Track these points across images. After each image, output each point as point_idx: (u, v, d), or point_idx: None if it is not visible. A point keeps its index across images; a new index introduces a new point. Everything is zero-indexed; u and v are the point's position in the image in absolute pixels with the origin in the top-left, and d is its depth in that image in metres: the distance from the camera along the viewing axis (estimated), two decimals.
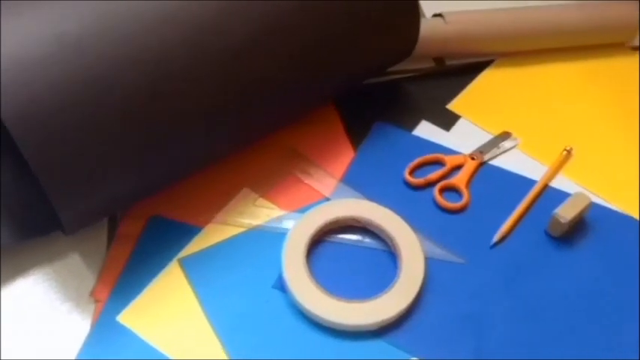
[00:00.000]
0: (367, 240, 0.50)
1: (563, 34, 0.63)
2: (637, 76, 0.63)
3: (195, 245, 0.49)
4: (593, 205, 0.52)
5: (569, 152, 0.56)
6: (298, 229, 0.49)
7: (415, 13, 0.53)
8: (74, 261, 0.48)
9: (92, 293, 0.47)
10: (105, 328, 0.45)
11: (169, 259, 0.48)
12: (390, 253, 0.50)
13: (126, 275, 0.47)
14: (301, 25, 0.47)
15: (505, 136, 0.57)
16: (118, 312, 0.46)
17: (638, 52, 0.65)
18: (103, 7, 0.43)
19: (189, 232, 0.50)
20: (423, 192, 0.54)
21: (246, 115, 0.48)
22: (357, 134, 0.57)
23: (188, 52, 0.44)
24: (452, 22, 0.60)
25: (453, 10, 0.63)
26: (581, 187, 0.54)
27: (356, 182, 0.54)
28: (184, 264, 0.48)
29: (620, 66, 0.64)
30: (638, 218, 0.52)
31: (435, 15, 0.62)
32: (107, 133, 0.42)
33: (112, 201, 0.45)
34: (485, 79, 0.62)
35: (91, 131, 0.41)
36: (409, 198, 0.53)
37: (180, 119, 0.45)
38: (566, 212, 0.49)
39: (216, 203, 0.51)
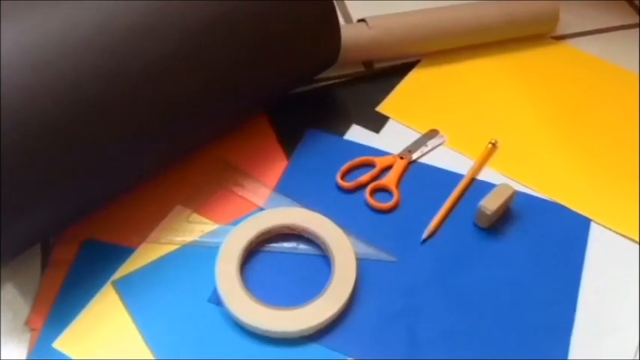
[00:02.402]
0: (302, 246, 0.51)
1: (486, 30, 0.65)
2: (559, 65, 0.65)
3: (128, 266, 0.49)
4: (518, 195, 0.54)
5: (494, 145, 0.58)
6: (231, 241, 0.49)
7: (334, 24, 0.54)
8: (8, 291, 0.48)
9: (27, 322, 0.47)
10: (41, 356, 0.45)
11: (103, 282, 0.48)
12: (324, 258, 0.50)
13: (60, 301, 0.47)
14: (220, 42, 0.48)
15: (432, 134, 0.59)
16: (53, 339, 0.46)
17: (560, 41, 0.68)
18: (17, 35, 0.43)
19: (123, 253, 0.50)
20: (355, 195, 0.55)
21: (172, 133, 0.48)
22: (289, 143, 0.58)
23: (104, 77, 0.44)
24: (375, 26, 0.62)
25: (384, 11, 0.64)
26: (507, 177, 0.56)
27: (290, 190, 0.54)
28: (118, 286, 0.48)
29: (543, 56, 0.66)
30: (563, 204, 0.54)
31: (359, 20, 0.63)
32: (32, 160, 0.42)
33: (43, 227, 0.45)
34: (413, 79, 0.64)
35: (14, 160, 0.41)
36: (342, 202, 0.54)
37: (104, 143, 0.45)
38: (490, 203, 0.51)
39: (148, 222, 0.51)
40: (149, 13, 0.46)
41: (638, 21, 0.72)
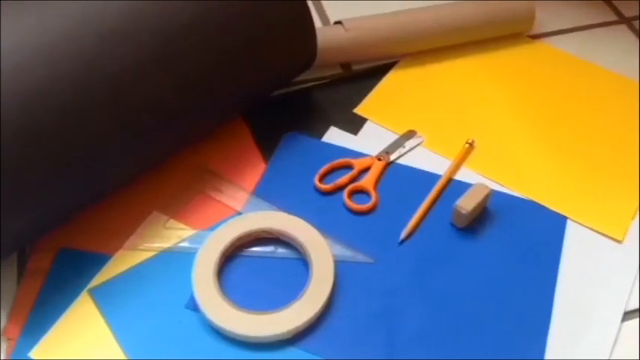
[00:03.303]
0: (280, 250, 0.51)
1: (463, 30, 0.65)
2: (535, 64, 0.66)
3: (105, 274, 0.49)
4: (495, 194, 0.55)
5: (471, 145, 0.58)
6: (208, 246, 0.49)
7: (309, 27, 0.54)
8: None
9: (3, 332, 0.46)
10: None
11: (80, 290, 0.48)
12: (303, 261, 0.50)
13: (37, 310, 0.47)
14: (194, 47, 0.48)
15: (410, 134, 0.59)
16: (30, 348, 0.45)
17: (536, 40, 0.68)
18: None
19: (99, 261, 0.49)
20: (334, 197, 0.55)
21: (147, 139, 0.48)
22: (267, 146, 0.58)
23: (77, 83, 0.44)
24: (351, 28, 0.62)
25: (362, 13, 0.65)
26: (484, 177, 0.56)
27: (268, 194, 0.54)
28: (94, 294, 0.48)
29: (520, 55, 0.67)
30: (539, 202, 0.54)
31: (336, 22, 0.63)
32: (5, 168, 0.42)
33: (17, 236, 0.45)
34: (390, 80, 0.64)
35: None
36: (320, 204, 0.54)
37: (78, 150, 0.44)
38: (466, 203, 0.51)
39: (125, 229, 0.51)
40: (122, 19, 0.45)
41: (614, 18, 0.72)
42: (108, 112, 0.45)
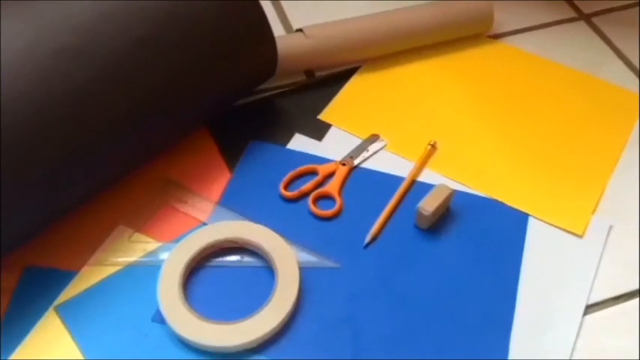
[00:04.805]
0: (246, 259, 0.51)
1: (423, 33, 0.66)
2: (495, 64, 0.67)
3: (71, 291, 0.49)
4: (458, 194, 0.55)
5: (433, 146, 0.59)
6: (173, 259, 0.49)
7: (268, 36, 0.55)
8: None
9: None
10: None
11: (46, 308, 0.48)
12: (269, 269, 0.51)
13: (4, 330, 0.47)
14: (149, 63, 0.48)
15: (373, 138, 0.60)
16: None
17: (496, 40, 0.69)
18: None
19: (65, 278, 0.49)
20: (299, 204, 0.55)
21: (105, 156, 0.48)
22: (232, 155, 0.58)
23: (32, 102, 0.44)
24: (312, 35, 0.62)
25: (326, 19, 0.65)
26: (447, 178, 0.57)
27: (233, 204, 0.55)
28: (60, 311, 0.48)
29: (480, 56, 0.68)
30: (501, 200, 0.55)
31: (297, 30, 0.64)
32: None
33: None
34: (353, 86, 0.64)
35: None
36: (286, 212, 0.54)
37: (36, 169, 0.44)
38: (428, 204, 0.52)
39: (90, 244, 0.51)
40: (75, 37, 0.46)
41: (572, 15, 0.74)
42: (65, 130, 0.45)
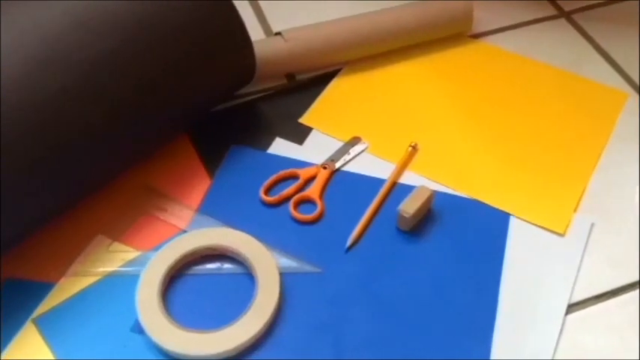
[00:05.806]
0: (226, 266, 0.51)
1: (403, 34, 0.65)
2: (476, 63, 0.66)
3: (49, 302, 0.48)
4: (439, 195, 0.55)
5: (414, 148, 0.58)
6: (151, 267, 0.49)
7: (246, 43, 0.54)
8: None
9: None
10: None
11: (24, 320, 0.47)
12: (249, 276, 0.50)
13: None
14: (123, 71, 0.47)
15: (355, 141, 0.59)
16: None
17: (476, 39, 0.69)
18: None
19: (43, 289, 0.49)
20: (280, 209, 0.55)
21: (83, 164, 0.48)
22: (213, 161, 0.58)
23: (5, 113, 0.43)
24: (291, 39, 0.62)
25: (306, 22, 0.65)
26: (428, 179, 0.57)
27: (213, 210, 0.54)
28: (39, 323, 0.47)
29: (461, 56, 0.67)
30: (482, 201, 0.55)
31: (276, 34, 0.64)
32: None
33: None
34: (334, 88, 0.64)
35: None
36: (266, 217, 0.54)
37: (12, 180, 0.44)
38: (408, 206, 0.51)
39: (68, 255, 0.50)
40: (46, 46, 0.45)
41: (553, 13, 0.73)
42: (37, 140, 0.44)
